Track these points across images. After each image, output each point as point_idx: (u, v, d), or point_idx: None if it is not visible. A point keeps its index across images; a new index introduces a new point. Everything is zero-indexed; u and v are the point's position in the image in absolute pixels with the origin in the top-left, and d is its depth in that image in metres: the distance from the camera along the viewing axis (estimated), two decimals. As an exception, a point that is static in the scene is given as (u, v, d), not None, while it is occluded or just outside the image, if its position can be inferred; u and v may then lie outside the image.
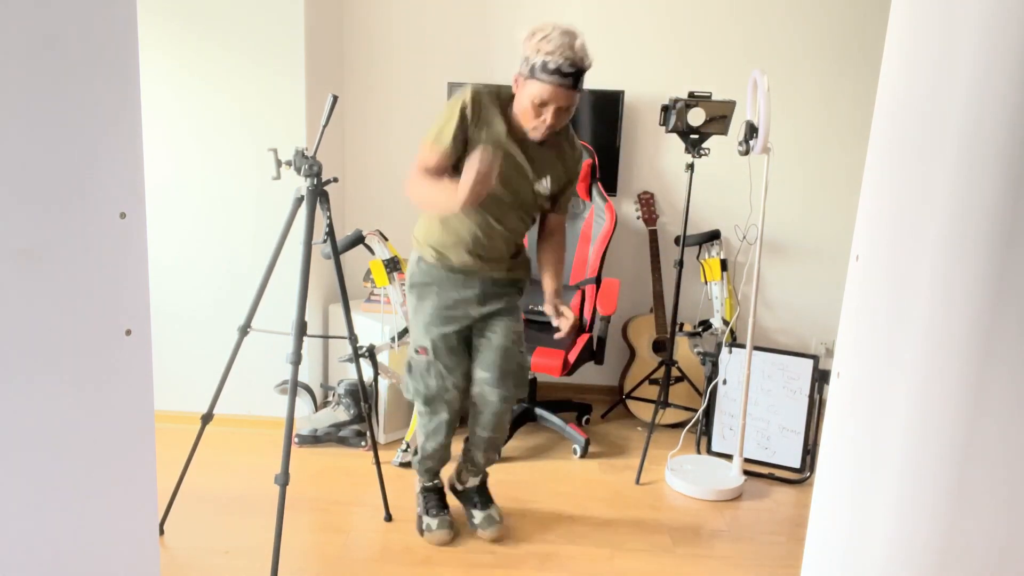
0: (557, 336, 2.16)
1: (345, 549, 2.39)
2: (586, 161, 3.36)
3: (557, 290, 2.26)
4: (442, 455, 2.44)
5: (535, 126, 2.04)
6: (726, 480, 2.89)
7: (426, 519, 2.45)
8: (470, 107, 2.04)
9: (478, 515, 2.47)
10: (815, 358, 3.05)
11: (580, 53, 1.95)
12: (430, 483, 2.52)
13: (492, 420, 2.35)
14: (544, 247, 2.33)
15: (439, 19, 3.49)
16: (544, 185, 2.17)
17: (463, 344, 2.29)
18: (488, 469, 2.58)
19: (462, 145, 2.07)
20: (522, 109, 2.03)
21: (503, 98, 2.09)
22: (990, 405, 0.92)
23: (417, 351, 2.28)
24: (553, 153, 2.17)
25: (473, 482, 2.52)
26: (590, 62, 1.98)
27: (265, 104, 3.04)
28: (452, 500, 2.66)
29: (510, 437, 3.15)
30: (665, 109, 2.82)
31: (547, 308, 2.22)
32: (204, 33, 2.97)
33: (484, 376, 2.28)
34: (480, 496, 2.51)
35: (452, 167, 2.09)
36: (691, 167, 2.88)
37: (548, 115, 2.00)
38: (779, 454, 3.08)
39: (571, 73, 1.94)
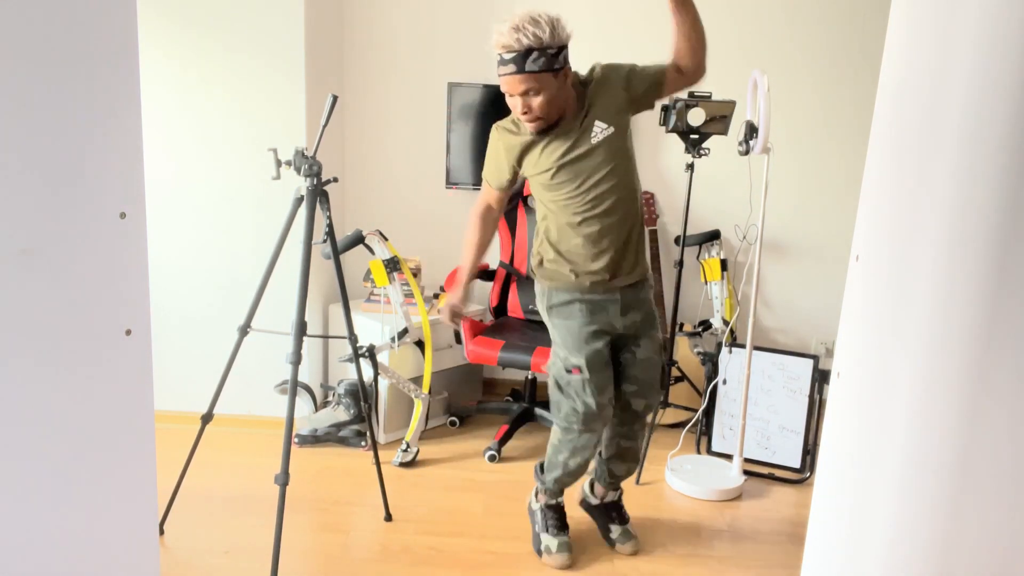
0: None
1: (345, 549, 2.38)
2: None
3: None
4: (583, 472, 2.35)
5: (522, 120, 2.05)
6: (726, 480, 2.89)
7: (545, 538, 2.36)
8: (508, 137, 2.14)
9: (616, 529, 2.44)
10: (815, 358, 3.04)
11: (509, 37, 1.91)
12: (554, 501, 2.41)
13: (637, 431, 2.34)
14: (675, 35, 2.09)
15: (439, 19, 3.49)
16: (598, 129, 2.08)
17: (610, 357, 2.25)
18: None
19: (508, 177, 2.20)
20: (511, 108, 2.06)
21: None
22: (990, 405, 0.92)
23: (570, 371, 2.19)
24: (592, 104, 2.09)
25: (612, 496, 2.47)
26: (528, 40, 1.90)
27: (265, 104, 3.04)
28: (575, 517, 2.55)
29: (509, 438, 3.15)
30: (665, 109, 2.82)
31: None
32: (204, 33, 2.97)
33: (630, 388, 2.27)
34: (618, 511, 2.47)
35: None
36: (691, 167, 2.88)
37: (518, 104, 2.00)
38: (779, 454, 3.08)
39: (508, 59, 1.93)
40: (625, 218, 2.17)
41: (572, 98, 2.09)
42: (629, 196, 2.17)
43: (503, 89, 2.00)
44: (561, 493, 2.41)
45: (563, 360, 2.21)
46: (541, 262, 2.25)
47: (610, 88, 2.12)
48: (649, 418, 2.39)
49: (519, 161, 2.16)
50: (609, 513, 2.47)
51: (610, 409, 2.22)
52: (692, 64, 2.08)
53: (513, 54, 1.92)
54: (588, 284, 2.18)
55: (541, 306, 2.28)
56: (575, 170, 2.10)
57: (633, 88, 2.12)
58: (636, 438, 2.36)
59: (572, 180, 2.11)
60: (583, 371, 2.17)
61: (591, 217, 2.13)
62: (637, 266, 2.24)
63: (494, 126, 2.18)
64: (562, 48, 1.96)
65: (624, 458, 2.38)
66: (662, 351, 2.34)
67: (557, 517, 2.40)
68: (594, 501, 2.49)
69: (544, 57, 1.93)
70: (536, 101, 1.98)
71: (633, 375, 2.28)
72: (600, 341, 2.20)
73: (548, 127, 2.08)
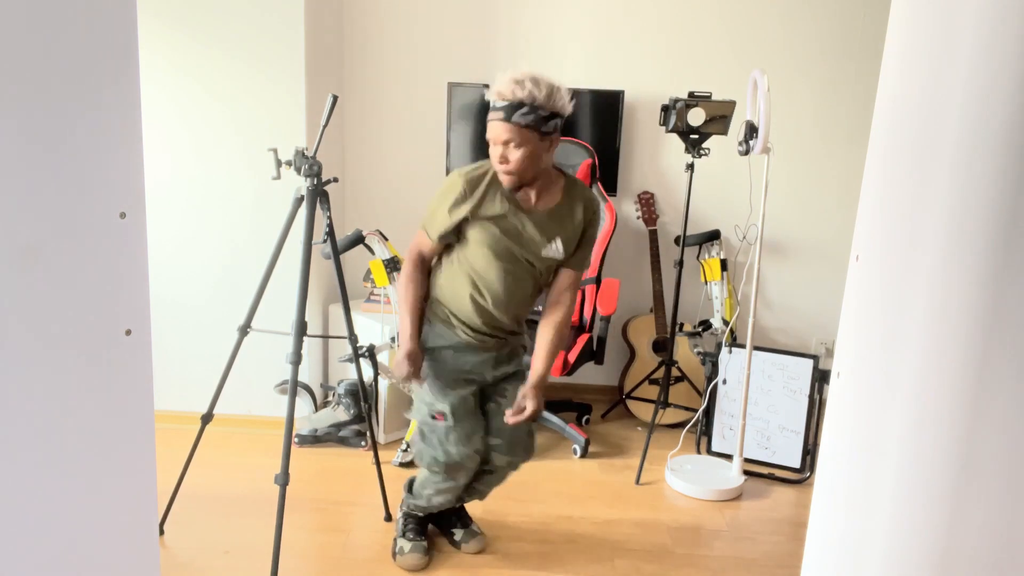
0: (506, 419, 2.06)
1: (345, 549, 2.38)
2: (585, 161, 3.36)
3: (543, 377, 2.12)
4: (445, 507, 2.36)
5: (496, 169, 2.02)
6: (726, 480, 2.89)
7: (401, 542, 2.35)
8: (463, 191, 2.04)
9: (458, 532, 2.43)
10: (815, 358, 3.04)
11: (506, 86, 1.93)
12: (419, 513, 2.41)
13: (496, 480, 2.31)
14: (549, 316, 2.18)
15: (439, 19, 3.49)
16: (555, 248, 2.10)
17: (478, 407, 2.20)
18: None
19: (456, 231, 2.09)
20: (490, 155, 2.03)
21: (493, 169, 2.09)
22: (990, 405, 0.92)
23: (434, 416, 2.14)
24: (565, 212, 2.10)
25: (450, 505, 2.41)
26: (522, 94, 1.92)
27: (265, 104, 3.04)
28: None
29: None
30: (665, 109, 2.82)
31: (522, 391, 2.09)
32: (204, 33, 2.97)
33: (495, 442, 2.20)
34: (458, 515, 2.47)
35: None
36: (691, 167, 2.88)
37: (497, 153, 1.98)
38: (779, 454, 3.08)
39: (499, 107, 1.94)
40: (521, 300, 2.16)
41: (552, 175, 2.09)
42: (535, 289, 2.18)
43: (488, 135, 2.00)
44: (446, 505, 2.36)
45: (428, 404, 2.15)
46: (434, 298, 2.20)
47: (582, 217, 2.12)
48: (513, 472, 2.30)
49: (472, 220, 2.07)
50: (448, 518, 2.45)
51: (475, 459, 2.16)
52: (542, 297, 2.24)
53: (504, 103, 1.94)
54: (463, 336, 2.15)
55: (422, 343, 2.21)
56: (511, 258, 2.08)
57: (575, 244, 2.15)
58: (489, 485, 2.32)
59: (503, 263, 2.08)
60: (448, 417, 2.12)
61: (495, 292, 2.11)
62: (513, 326, 2.20)
63: (461, 175, 2.07)
64: (555, 115, 1.96)
65: (472, 494, 2.35)
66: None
67: (417, 523, 2.40)
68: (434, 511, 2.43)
69: (533, 115, 1.93)
70: (515, 154, 1.96)
71: (497, 427, 2.19)
72: (467, 388, 2.16)
73: (520, 185, 2.04)
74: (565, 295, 2.18)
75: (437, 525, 2.48)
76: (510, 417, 2.05)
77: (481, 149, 3.49)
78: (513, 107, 1.93)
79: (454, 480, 2.20)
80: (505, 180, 2.02)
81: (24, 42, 0.95)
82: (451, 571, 2.29)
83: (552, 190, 2.10)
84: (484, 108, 3.43)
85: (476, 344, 2.16)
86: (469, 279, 2.11)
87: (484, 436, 2.19)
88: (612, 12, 3.46)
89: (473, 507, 2.65)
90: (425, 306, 2.19)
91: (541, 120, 1.94)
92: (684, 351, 3.49)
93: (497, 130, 1.96)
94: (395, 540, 2.38)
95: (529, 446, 2.26)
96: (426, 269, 2.20)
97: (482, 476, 2.28)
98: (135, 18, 1.05)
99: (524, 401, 2.07)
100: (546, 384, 2.14)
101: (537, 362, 2.14)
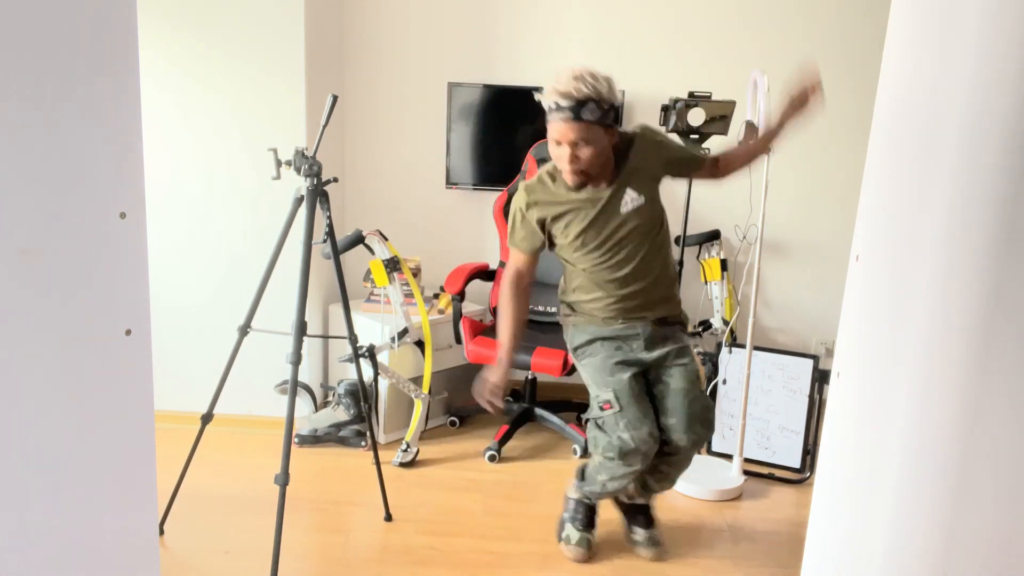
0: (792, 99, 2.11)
1: (345, 549, 2.38)
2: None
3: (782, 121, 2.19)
4: (620, 493, 2.35)
5: (564, 169, 2.04)
6: (726, 480, 2.89)
7: (568, 528, 2.37)
8: (525, 208, 2.13)
9: (641, 533, 2.41)
10: (815, 358, 3.04)
11: (568, 85, 1.93)
12: (588, 501, 2.40)
13: (683, 461, 2.26)
14: (743, 152, 2.30)
15: (439, 19, 3.49)
16: (629, 199, 2.10)
17: (643, 390, 2.19)
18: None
19: (542, 240, 2.16)
20: (554, 157, 2.05)
21: (551, 171, 2.14)
22: (990, 405, 0.92)
23: (602, 407, 2.16)
24: (628, 174, 2.11)
25: (640, 499, 2.43)
26: (587, 90, 1.93)
27: (265, 104, 3.04)
28: (607, 513, 2.54)
29: (509, 438, 3.15)
30: (665, 109, 2.82)
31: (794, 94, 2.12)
32: (203, 33, 2.97)
33: (671, 423, 2.17)
34: (645, 514, 2.44)
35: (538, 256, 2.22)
36: (691, 167, 2.87)
37: (565, 154, 1.99)
38: (779, 454, 3.08)
39: (565, 106, 1.94)
40: (651, 274, 2.18)
41: (612, 160, 2.10)
42: (657, 254, 2.18)
43: (552, 136, 2.00)
44: (624, 492, 2.38)
45: (595, 398, 2.19)
46: (565, 303, 2.28)
47: (648, 158, 2.14)
48: (696, 453, 2.27)
49: (550, 224, 2.15)
50: (635, 515, 2.44)
51: (651, 444, 2.13)
52: (728, 177, 2.30)
53: (571, 101, 1.93)
54: (609, 324, 2.19)
55: (569, 348, 2.29)
56: (602, 238, 2.12)
57: (670, 166, 2.19)
58: (679, 467, 2.28)
59: (599, 247, 2.12)
60: (614, 404, 2.13)
61: (615, 279, 2.15)
62: (661, 307, 2.22)
63: (521, 187, 2.16)
64: (614, 106, 2.00)
65: (661, 479, 2.32)
66: (701, 383, 2.23)
67: (587, 513, 2.39)
68: (625, 499, 2.46)
69: (600, 110, 1.95)
70: (585, 152, 1.98)
71: (671, 407, 2.18)
72: (626, 372, 2.16)
73: (585, 182, 2.08)
74: (725, 162, 2.27)
75: (623, 512, 2.47)
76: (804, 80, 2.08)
77: (482, 149, 3.49)
78: (580, 104, 1.93)
79: (630, 466, 2.16)
80: (573, 179, 2.04)
81: (24, 42, 0.95)
82: (449, 571, 2.29)
83: (607, 169, 2.11)
84: (487, 108, 3.43)
85: (623, 329, 2.18)
86: (591, 280, 2.16)
87: (656, 419, 2.17)
88: (612, 12, 3.46)
89: (474, 505, 2.66)
90: (524, 326, 2.23)
91: (606, 113, 1.97)
92: (684, 351, 3.49)
93: (564, 130, 1.96)
94: (563, 523, 2.39)
95: (707, 419, 2.20)
96: (525, 287, 2.21)
97: (668, 458, 2.24)
98: (135, 18, 1.05)
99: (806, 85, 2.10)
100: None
101: (778, 117, 2.18)
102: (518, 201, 2.15)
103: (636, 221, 2.11)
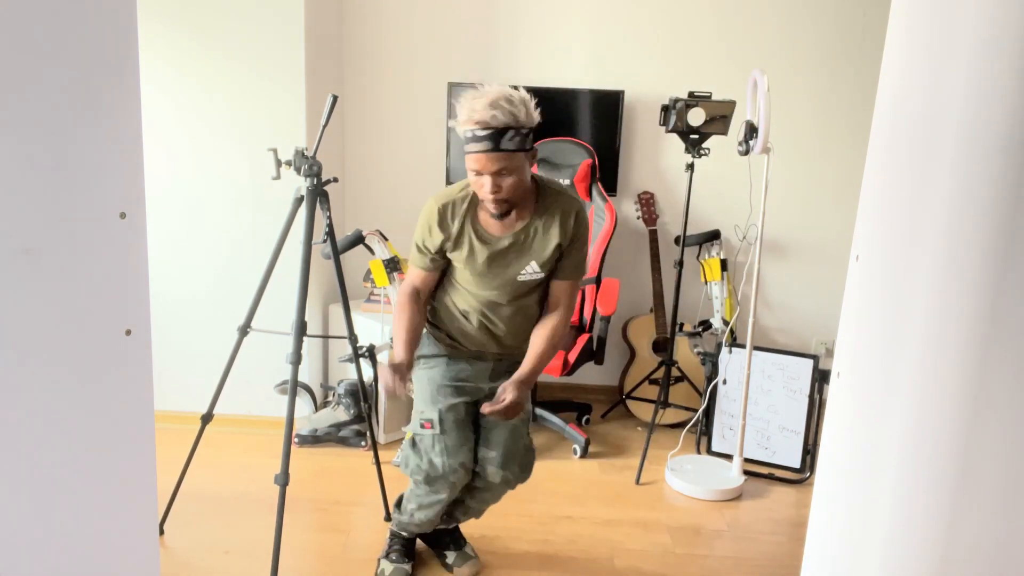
0: (483, 410, 1.95)
1: (345, 549, 2.38)
2: (585, 161, 3.36)
3: (528, 375, 2.02)
4: (428, 528, 2.24)
5: (485, 199, 1.93)
6: (726, 480, 2.89)
7: (383, 563, 2.26)
8: (436, 224, 2.02)
9: (451, 554, 2.31)
10: (815, 358, 3.05)
11: (485, 113, 1.82)
12: (403, 533, 2.31)
13: (490, 498, 2.18)
14: (543, 323, 2.12)
15: (439, 19, 3.49)
16: (529, 271, 2.04)
17: (470, 419, 2.11)
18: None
19: (443, 258, 2.07)
20: (474, 186, 1.94)
21: (471, 191, 2.03)
22: (990, 404, 0.92)
23: (423, 425, 2.06)
24: (539, 229, 2.02)
25: (443, 525, 2.31)
26: (505, 118, 1.83)
27: (265, 104, 3.04)
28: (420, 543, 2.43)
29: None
30: (665, 109, 2.82)
31: (503, 385, 1.99)
32: (204, 34, 2.97)
33: (490, 455, 2.07)
34: (452, 536, 2.35)
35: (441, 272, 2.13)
36: (691, 167, 2.88)
37: (487, 184, 1.89)
38: (779, 454, 3.08)
39: (483, 136, 1.84)
40: (516, 327, 2.12)
41: (529, 189, 2.01)
42: (521, 317, 2.12)
43: (471, 167, 1.90)
44: (429, 527, 2.25)
45: (418, 413, 2.09)
46: (432, 307, 2.20)
47: (559, 230, 2.03)
48: (505, 491, 2.15)
49: (450, 243, 2.05)
50: (441, 539, 2.34)
51: (460, 475, 2.04)
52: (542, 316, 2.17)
53: (489, 131, 1.84)
54: (459, 347, 2.15)
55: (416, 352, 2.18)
56: (486, 281, 2.05)
57: (562, 258, 2.07)
58: (483, 502, 2.19)
59: (480, 283, 2.06)
60: (435, 425, 2.03)
61: (481, 314, 2.10)
62: (513, 349, 2.16)
63: (432, 199, 2.05)
64: (532, 128, 1.91)
65: (466, 511, 2.24)
66: (528, 424, 2.14)
67: (403, 546, 2.30)
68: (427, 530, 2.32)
69: (519, 136, 1.86)
70: (507, 181, 1.89)
71: (494, 440, 2.08)
72: (459, 398, 2.09)
73: (508, 211, 1.98)
74: (560, 305, 2.11)
75: (430, 546, 2.37)
76: (487, 407, 1.94)
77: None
78: (499, 133, 1.84)
79: (436, 494, 2.08)
80: (495, 207, 1.95)
81: (24, 43, 0.95)
82: (448, 571, 2.29)
83: (526, 204, 2.03)
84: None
85: (472, 354, 2.15)
86: (464, 302, 2.10)
87: (475, 449, 2.09)
88: (612, 12, 3.46)
89: (473, 507, 2.66)
90: (419, 334, 2.11)
91: (524, 139, 1.88)
92: (684, 351, 3.49)
93: (485, 161, 1.86)
94: (379, 561, 2.28)
95: (526, 462, 2.13)
96: (421, 300, 2.13)
97: (475, 492, 2.16)
98: (135, 19, 1.05)
99: (504, 393, 1.95)
100: (531, 384, 2.03)
101: (525, 363, 2.06)
102: (429, 215, 2.04)
103: (524, 289, 2.07)
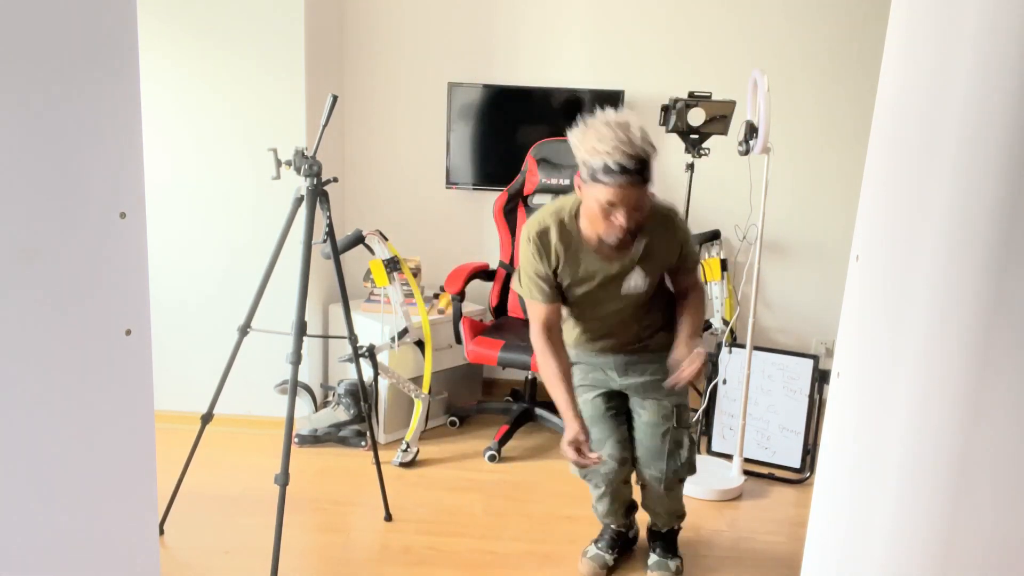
0: (668, 383, 1.98)
1: (345, 549, 2.39)
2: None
3: (691, 333, 2.05)
4: (611, 517, 2.29)
5: (608, 232, 1.89)
6: (726, 480, 2.89)
7: (590, 545, 2.35)
8: (536, 253, 1.99)
9: (652, 557, 2.33)
10: (815, 358, 3.04)
11: (640, 143, 1.79)
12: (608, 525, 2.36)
13: (655, 499, 2.20)
14: (681, 305, 2.15)
15: (439, 19, 3.49)
16: (634, 283, 2.03)
17: (613, 412, 2.15)
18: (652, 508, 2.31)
19: (556, 287, 2.04)
20: (591, 215, 1.89)
21: (567, 214, 2.00)
22: (990, 404, 0.92)
23: None
24: (644, 241, 2.02)
25: (656, 526, 2.34)
26: (651, 151, 1.82)
27: (265, 104, 3.04)
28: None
29: (509, 438, 3.15)
30: (665, 109, 2.82)
31: (677, 352, 2.01)
32: (203, 33, 2.97)
33: (639, 455, 2.14)
34: (662, 542, 2.34)
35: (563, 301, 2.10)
36: (691, 167, 2.88)
37: (619, 217, 1.84)
38: (779, 454, 3.08)
39: (633, 169, 1.78)
40: (637, 328, 2.15)
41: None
42: (636, 321, 2.13)
43: (610, 199, 1.81)
44: (615, 522, 2.33)
45: None
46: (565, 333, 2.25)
47: (671, 246, 2.05)
48: (668, 492, 2.18)
49: (560, 272, 2.04)
50: (653, 540, 2.37)
51: (611, 465, 2.10)
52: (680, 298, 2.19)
53: (640, 164, 1.78)
54: (586, 350, 2.20)
55: None
56: (593, 299, 2.07)
57: (679, 261, 2.10)
58: (656, 503, 2.23)
59: (587, 303, 2.09)
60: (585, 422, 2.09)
61: (595, 329, 2.14)
62: (648, 349, 2.18)
63: (528, 236, 2.01)
64: None
65: (649, 511, 2.28)
66: (674, 419, 2.16)
67: (611, 537, 2.35)
68: (627, 525, 2.40)
69: (651, 169, 1.85)
70: (638, 216, 1.88)
71: (638, 439, 2.15)
72: (593, 392, 2.17)
73: (627, 244, 1.99)
74: (689, 291, 2.14)
75: (647, 536, 2.40)
76: (669, 381, 1.99)
77: (482, 149, 3.49)
78: (645, 165, 1.80)
79: (597, 488, 2.17)
80: (614, 240, 1.92)
81: (24, 42, 0.95)
82: (449, 571, 2.29)
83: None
84: (486, 108, 3.43)
85: (595, 355, 2.18)
86: (582, 321, 2.13)
87: (625, 444, 2.12)
88: (612, 12, 3.46)
89: (474, 505, 2.66)
90: (570, 377, 2.10)
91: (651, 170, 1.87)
92: (684, 351, 3.49)
93: (629, 195, 1.80)
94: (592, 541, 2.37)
95: (675, 455, 2.11)
96: (556, 336, 2.08)
97: (645, 491, 2.22)
98: (135, 17, 1.05)
99: (680, 359, 1.98)
100: (695, 337, 2.04)
101: (682, 326, 2.08)
102: (531, 249, 2.01)
103: (629, 302, 2.08)
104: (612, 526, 2.35)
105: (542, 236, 2.00)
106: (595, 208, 1.86)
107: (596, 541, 2.36)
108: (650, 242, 2.02)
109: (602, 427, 2.12)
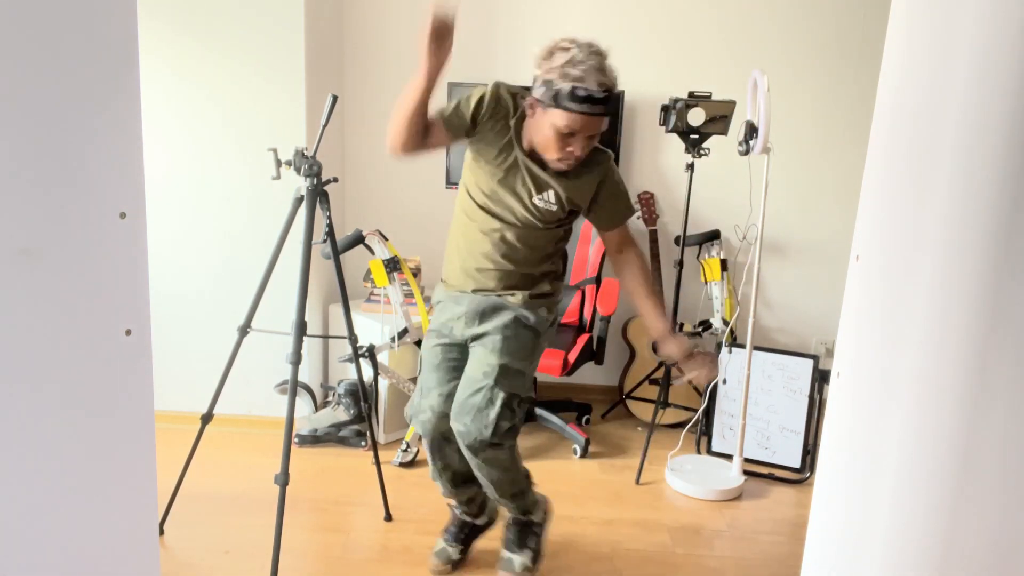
0: (676, 382, 1.92)
1: (345, 549, 2.38)
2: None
3: (667, 328, 1.94)
4: (441, 483, 2.15)
5: (561, 157, 1.82)
6: (726, 480, 2.89)
7: (439, 539, 2.30)
8: (488, 99, 1.87)
9: (503, 553, 2.22)
10: (815, 358, 3.04)
11: (610, 74, 1.73)
12: (449, 500, 2.26)
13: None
14: (625, 278, 2.02)
15: (439, 19, 3.49)
16: (546, 199, 1.91)
17: (451, 366, 2.04)
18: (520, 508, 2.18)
19: (459, 129, 1.89)
20: (543, 138, 1.80)
21: (519, 103, 1.91)
22: (990, 405, 0.92)
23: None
24: (572, 174, 1.92)
25: (513, 515, 2.21)
26: (615, 78, 1.76)
27: (265, 104, 3.04)
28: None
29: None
30: (665, 109, 2.82)
31: (667, 348, 1.92)
32: (204, 34, 2.97)
33: (452, 406, 1.99)
34: (510, 532, 2.22)
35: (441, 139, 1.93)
36: (691, 167, 2.88)
37: (576, 146, 1.79)
38: (779, 454, 3.08)
39: (600, 98, 1.71)
40: (508, 255, 1.98)
41: None
42: (517, 248, 1.98)
43: (571, 126, 1.74)
44: (449, 495, 2.19)
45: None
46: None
47: (593, 185, 1.94)
48: (478, 455, 1.96)
49: (477, 143, 1.92)
50: (506, 533, 2.25)
51: (428, 415, 2.02)
52: (618, 275, 2.06)
53: (607, 94, 1.72)
54: (450, 287, 2.07)
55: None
56: (497, 202, 1.94)
57: (597, 206, 1.97)
58: (477, 469, 2.00)
59: (487, 212, 1.96)
60: (420, 365, 2.09)
61: (476, 255, 1.99)
62: (504, 291, 2.01)
63: (494, 89, 1.89)
64: None
65: (486, 489, 2.11)
66: (496, 378, 1.94)
67: (455, 526, 2.29)
68: (473, 513, 2.27)
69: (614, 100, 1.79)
70: (590, 144, 1.82)
71: (457, 390, 2.00)
72: (433, 340, 2.06)
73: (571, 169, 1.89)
74: (625, 252, 2.00)
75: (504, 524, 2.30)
76: (681, 380, 1.91)
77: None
78: (612, 95, 1.73)
79: (427, 443, 2.05)
80: (564, 166, 1.84)
81: (24, 43, 0.95)
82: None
83: None
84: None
85: (461, 287, 2.02)
86: (463, 231, 2.00)
87: (449, 400, 2.00)
88: (612, 12, 3.46)
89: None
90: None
91: None
92: (684, 351, 3.49)
93: (592, 124, 1.74)
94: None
95: (481, 414, 1.91)
96: (422, 113, 1.87)
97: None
98: (135, 19, 1.05)
99: (681, 366, 1.89)
100: (671, 331, 1.95)
101: (650, 321, 1.97)
102: (496, 93, 1.88)
103: (538, 216, 1.93)
104: (457, 512, 2.26)
105: (500, 101, 1.88)
106: (549, 133, 1.78)
107: (444, 531, 2.29)
108: (576, 174, 1.92)
109: (434, 376, 2.02)
